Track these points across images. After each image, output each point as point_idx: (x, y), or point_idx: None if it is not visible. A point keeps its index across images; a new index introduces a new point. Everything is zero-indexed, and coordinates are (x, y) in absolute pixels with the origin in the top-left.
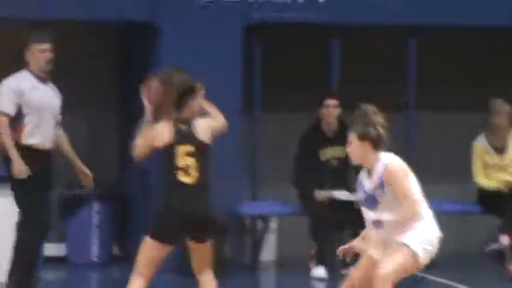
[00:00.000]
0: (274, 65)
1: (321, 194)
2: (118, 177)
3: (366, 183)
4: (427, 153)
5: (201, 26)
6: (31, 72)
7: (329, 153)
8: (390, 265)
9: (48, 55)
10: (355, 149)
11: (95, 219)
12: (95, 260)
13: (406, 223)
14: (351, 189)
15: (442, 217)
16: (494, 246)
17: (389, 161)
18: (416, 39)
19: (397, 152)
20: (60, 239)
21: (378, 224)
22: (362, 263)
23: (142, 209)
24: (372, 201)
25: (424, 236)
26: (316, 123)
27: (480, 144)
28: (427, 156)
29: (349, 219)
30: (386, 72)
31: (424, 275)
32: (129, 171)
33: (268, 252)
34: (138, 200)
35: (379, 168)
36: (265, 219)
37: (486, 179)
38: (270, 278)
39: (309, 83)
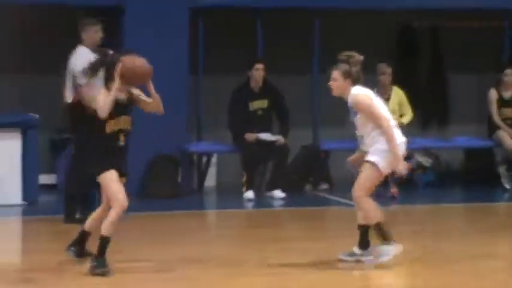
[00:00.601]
0: (215, 39)
1: (250, 136)
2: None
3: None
4: (331, 105)
5: (157, 9)
6: (87, 47)
7: (256, 105)
8: (360, 185)
9: (100, 34)
10: (339, 84)
11: None
12: None
13: (374, 138)
14: (272, 131)
15: (341, 152)
16: None
17: (355, 93)
18: (321, 19)
19: (306, 104)
20: (51, 171)
21: (360, 138)
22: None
23: None
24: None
25: (384, 147)
26: (246, 82)
27: None
28: (331, 107)
29: (271, 154)
30: (298, 45)
31: (326, 196)
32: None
33: (211, 180)
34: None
35: (350, 99)
36: (208, 155)
37: None
38: (212, 199)
39: (240, 52)
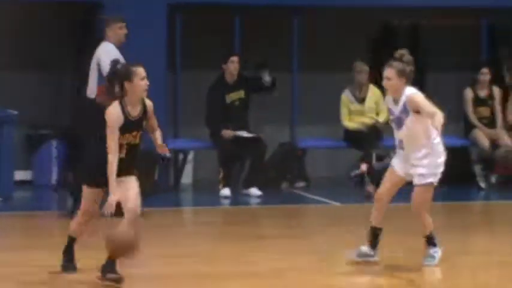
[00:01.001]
0: (193, 35)
1: (226, 133)
2: (72, 121)
3: (393, 108)
4: (308, 104)
5: (136, 4)
6: (112, 43)
7: (232, 96)
8: (421, 205)
9: (125, 30)
10: (394, 83)
11: (54, 152)
12: (54, 183)
13: (422, 142)
14: (250, 127)
15: (318, 151)
16: (356, 172)
17: (413, 92)
18: (300, 17)
19: (284, 102)
20: (27, 167)
21: (400, 142)
22: (388, 177)
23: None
24: (398, 124)
25: (435, 160)
26: (221, 76)
27: (346, 95)
28: (308, 105)
29: (248, 152)
30: (276, 42)
31: (302, 193)
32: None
33: (187, 177)
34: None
35: (406, 98)
36: (184, 152)
37: (350, 122)
38: (188, 196)
39: (218, 49)
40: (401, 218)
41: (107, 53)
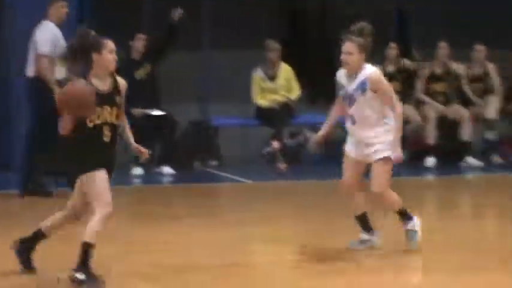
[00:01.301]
0: (102, 16)
1: (136, 111)
2: None
3: (347, 85)
4: (219, 82)
5: None
6: (52, 22)
7: (140, 73)
8: (382, 184)
9: (66, 9)
10: (355, 58)
11: None
12: None
13: (373, 121)
14: (161, 105)
15: (229, 129)
16: (268, 150)
17: (374, 70)
18: None
19: (196, 80)
20: None
21: (352, 118)
22: (346, 166)
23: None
24: (350, 100)
25: (389, 138)
26: (127, 53)
27: (257, 74)
28: (219, 83)
29: (159, 130)
30: (187, 19)
31: (215, 172)
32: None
33: None
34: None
35: (366, 76)
36: None
37: (262, 100)
38: None
39: (129, 29)
40: None
41: (44, 32)
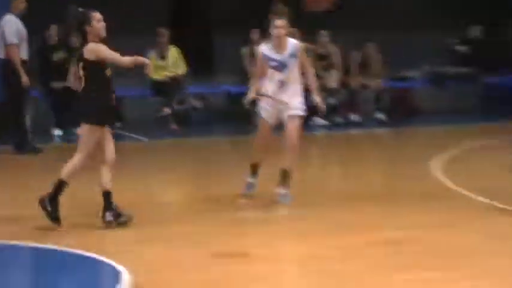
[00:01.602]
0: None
1: (56, 84)
2: None
3: (275, 55)
4: None
5: None
6: (14, 14)
7: (58, 55)
8: (298, 136)
9: (25, 4)
10: (285, 32)
11: None
12: None
13: (298, 84)
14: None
15: (130, 99)
16: (162, 113)
17: (298, 42)
18: None
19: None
20: None
21: (280, 82)
22: (261, 130)
23: None
24: (282, 67)
25: (302, 99)
26: (48, 39)
27: (151, 55)
28: None
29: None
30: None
31: (119, 132)
32: None
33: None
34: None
35: (291, 45)
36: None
37: (156, 74)
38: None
39: (43, 14)
40: None
41: (9, 23)
